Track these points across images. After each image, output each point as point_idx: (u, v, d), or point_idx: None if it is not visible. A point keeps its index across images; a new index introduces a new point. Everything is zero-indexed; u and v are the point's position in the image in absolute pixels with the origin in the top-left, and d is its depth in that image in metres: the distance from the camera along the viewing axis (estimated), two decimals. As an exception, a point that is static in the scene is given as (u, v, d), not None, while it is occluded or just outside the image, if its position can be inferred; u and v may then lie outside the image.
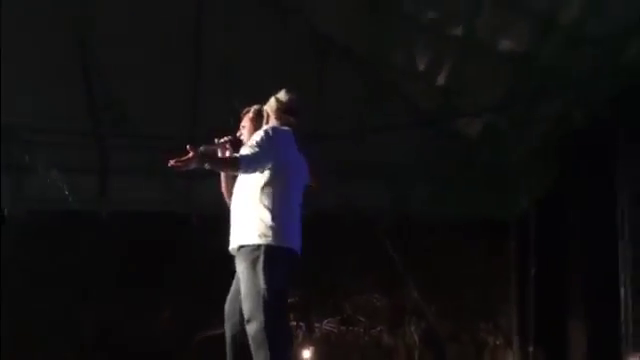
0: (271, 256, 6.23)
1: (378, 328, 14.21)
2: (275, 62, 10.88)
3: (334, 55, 11.60)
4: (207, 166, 6.21)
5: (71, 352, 12.82)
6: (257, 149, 6.29)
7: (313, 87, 11.37)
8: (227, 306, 6.55)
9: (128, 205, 12.62)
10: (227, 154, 6.71)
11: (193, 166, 6.08)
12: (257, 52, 10.93)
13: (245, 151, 6.33)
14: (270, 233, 6.27)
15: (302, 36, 11.20)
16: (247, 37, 10.86)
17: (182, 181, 11.79)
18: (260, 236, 6.27)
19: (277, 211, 6.34)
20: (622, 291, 10.66)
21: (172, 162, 6.04)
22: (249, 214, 6.36)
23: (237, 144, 6.79)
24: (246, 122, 6.88)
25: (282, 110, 6.70)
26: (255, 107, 6.87)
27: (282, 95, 6.76)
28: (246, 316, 6.22)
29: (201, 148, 6.63)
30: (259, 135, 6.40)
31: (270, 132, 6.44)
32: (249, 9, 10.92)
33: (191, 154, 6.03)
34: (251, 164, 6.27)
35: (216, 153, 6.70)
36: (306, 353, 13.41)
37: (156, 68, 11.42)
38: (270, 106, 6.73)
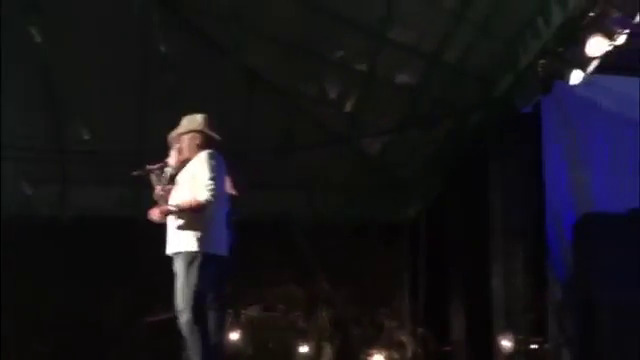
0: (203, 260, 6.37)
1: (295, 314, 14.21)
2: (210, 92, 10.93)
3: (260, 87, 11.67)
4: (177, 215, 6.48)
5: (35, 333, 12.67)
6: (213, 185, 6.39)
7: (242, 113, 11.53)
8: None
9: (86, 210, 12.66)
10: (162, 178, 6.73)
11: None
12: (195, 84, 10.98)
13: (205, 193, 6.36)
14: (203, 241, 6.39)
15: (234, 72, 11.28)
16: (187, 72, 10.92)
17: (131, 190, 11.83)
18: (195, 244, 6.38)
19: (209, 222, 6.45)
20: (494, 282, 10.88)
21: (157, 218, 6.47)
22: (186, 224, 6.44)
23: (164, 168, 6.87)
24: (173, 150, 6.85)
25: (208, 127, 6.79)
26: (176, 137, 6.88)
27: (200, 116, 6.85)
28: (179, 307, 6.36)
29: (134, 173, 6.81)
30: (208, 171, 6.44)
31: (214, 162, 6.49)
32: (189, 49, 10.96)
33: (160, 212, 6.46)
34: (214, 203, 6.39)
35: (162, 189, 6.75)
36: (234, 335, 13.40)
37: (111, 97, 11.43)
38: (199, 124, 6.79)
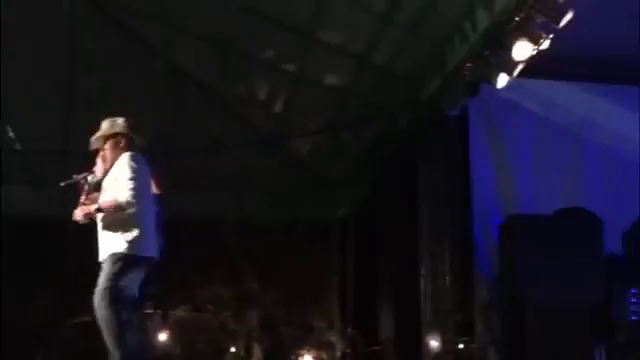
0: (129, 262, 6.42)
1: (224, 314, 14.18)
2: (139, 92, 10.88)
3: (189, 86, 11.64)
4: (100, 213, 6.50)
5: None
6: (133, 186, 6.40)
7: (171, 113, 11.48)
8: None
9: (12, 210, 12.48)
10: (85, 187, 6.74)
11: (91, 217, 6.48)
12: (124, 83, 10.92)
13: (125, 193, 6.37)
14: (132, 244, 6.42)
15: (163, 71, 11.23)
16: (116, 71, 10.84)
17: (58, 190, 11.68)
18: (124, 246, 6.41)
19: (138, 225, 6.47)
20: (422, 282, 11.02)
21: (80, 219, 6.50)
22: (115, 228, 6.47)
23: (90, 176, 6.86)
24: (99, 159, 6.83)
25: (130, 129, 6.79)
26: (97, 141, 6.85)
27: (121, 119, 6.82)
28: (96, 305, 6.37)
29: (61, 183, 6.79)
30: (129, 172, 6.45)
31: (135, 164, 6.50)
32: (118, 49, 10.90)
33: (82, 213, 6.48)
34: (134, 203, 6.39)
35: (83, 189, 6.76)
36: (162, 336, 13.33)
37: (38, 97, 11.27)
38: (121, 127, 6.77)
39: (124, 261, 6.42)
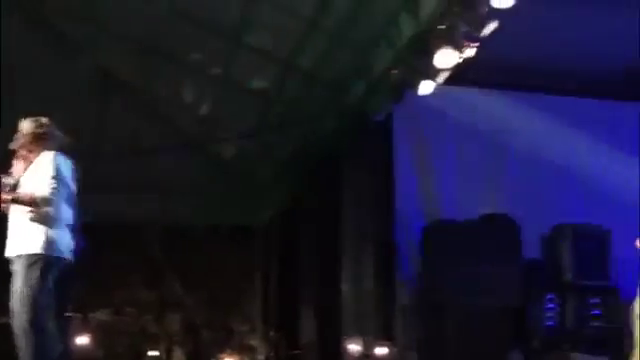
0: (46, 264, 6.23)
1: (145, 317, 14.09)
2: (63, 92, 10.75)
3: (114, 87, 11.54)
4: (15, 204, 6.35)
5: None
6: (54, 184, 6.26)
7: (95, 114, 11.37)
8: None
9: None
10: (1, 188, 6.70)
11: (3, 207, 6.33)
12: (47, 83, 10.78)
13: (44, 189, 6.22)
14: (46, 244, 6.25)
15: (87, 71, 11.11)
16: (39, 71, 10.70)
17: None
18: (38, 246, 6.23)
19: (53, 224, 6.32)
20: (343, 285, 11.08)
21: None
22: (30, 226, 6.29)
23: (8, 178, 6.81)
24: (17, 159, 6.63)
25: (53, 128, 6.63)
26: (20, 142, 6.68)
27: (44, 118, 6.66)
28: (15, 310, 6.17)
29: None
30: (52, 170, 6.31)
31: (57, 163, 6.36)
32: (42, 48, 10.75)
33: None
34: (51, 201, 6.28)
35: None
36: (82, 339, 13.16)
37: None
38: (43, 126, 6.62)
39: (41, 264, 6.22)
